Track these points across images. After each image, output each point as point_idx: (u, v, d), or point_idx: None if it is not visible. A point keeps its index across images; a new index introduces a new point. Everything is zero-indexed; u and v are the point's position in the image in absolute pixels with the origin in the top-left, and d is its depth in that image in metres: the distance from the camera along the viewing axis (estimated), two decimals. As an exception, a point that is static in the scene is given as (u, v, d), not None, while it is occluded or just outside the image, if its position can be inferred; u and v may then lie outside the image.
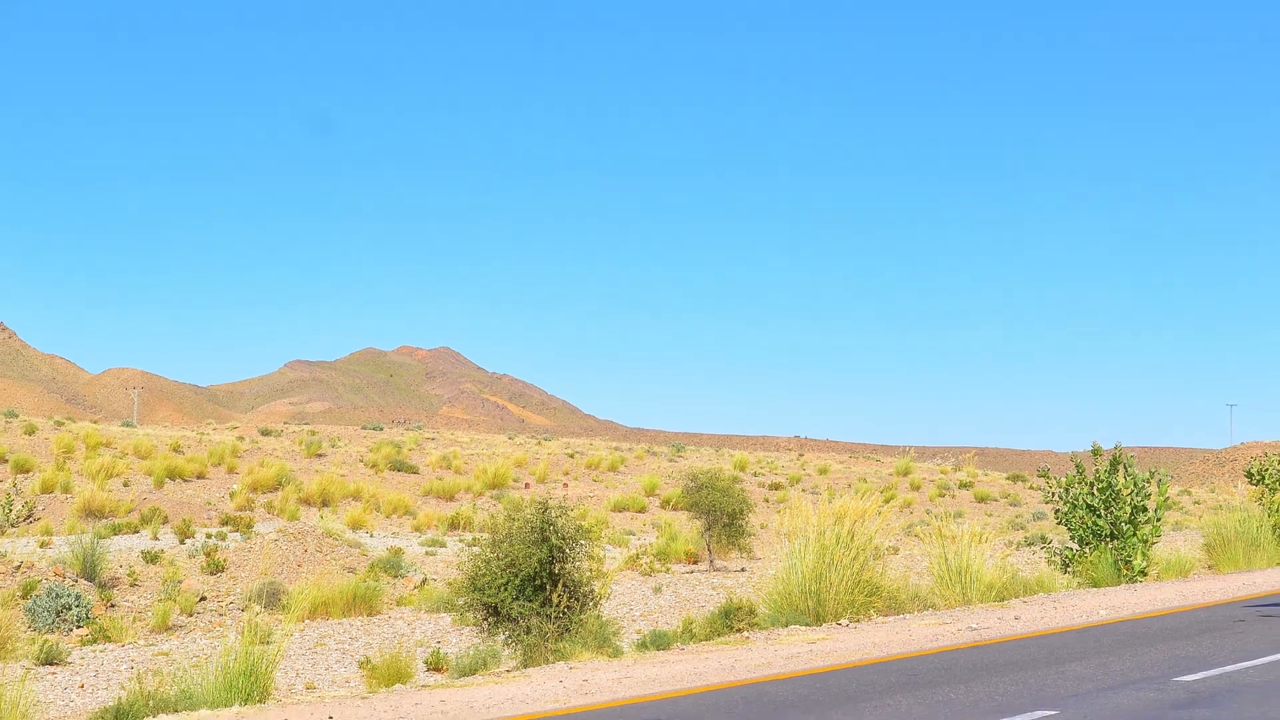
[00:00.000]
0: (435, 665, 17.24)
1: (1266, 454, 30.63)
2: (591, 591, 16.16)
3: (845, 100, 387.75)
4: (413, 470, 55.44)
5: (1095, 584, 21.86)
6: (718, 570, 32.48)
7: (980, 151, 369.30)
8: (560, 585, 15.57)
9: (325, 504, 45.87)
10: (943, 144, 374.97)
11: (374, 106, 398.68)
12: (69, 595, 23.26)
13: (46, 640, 19.93)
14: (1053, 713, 10.56)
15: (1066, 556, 23.51)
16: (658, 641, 15.73)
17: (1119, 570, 22.54)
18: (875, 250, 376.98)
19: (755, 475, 60.36)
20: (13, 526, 36.54)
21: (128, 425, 69.22)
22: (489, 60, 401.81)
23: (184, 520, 36.83)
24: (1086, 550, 23.11)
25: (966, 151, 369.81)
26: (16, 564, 25.40)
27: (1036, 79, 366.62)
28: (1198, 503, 60.53)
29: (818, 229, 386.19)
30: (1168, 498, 24.86)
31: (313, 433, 66.80)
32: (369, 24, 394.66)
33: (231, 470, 50.37)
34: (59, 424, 60.57)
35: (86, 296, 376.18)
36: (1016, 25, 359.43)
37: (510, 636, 15.57)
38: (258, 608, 24.37)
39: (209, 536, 32.78)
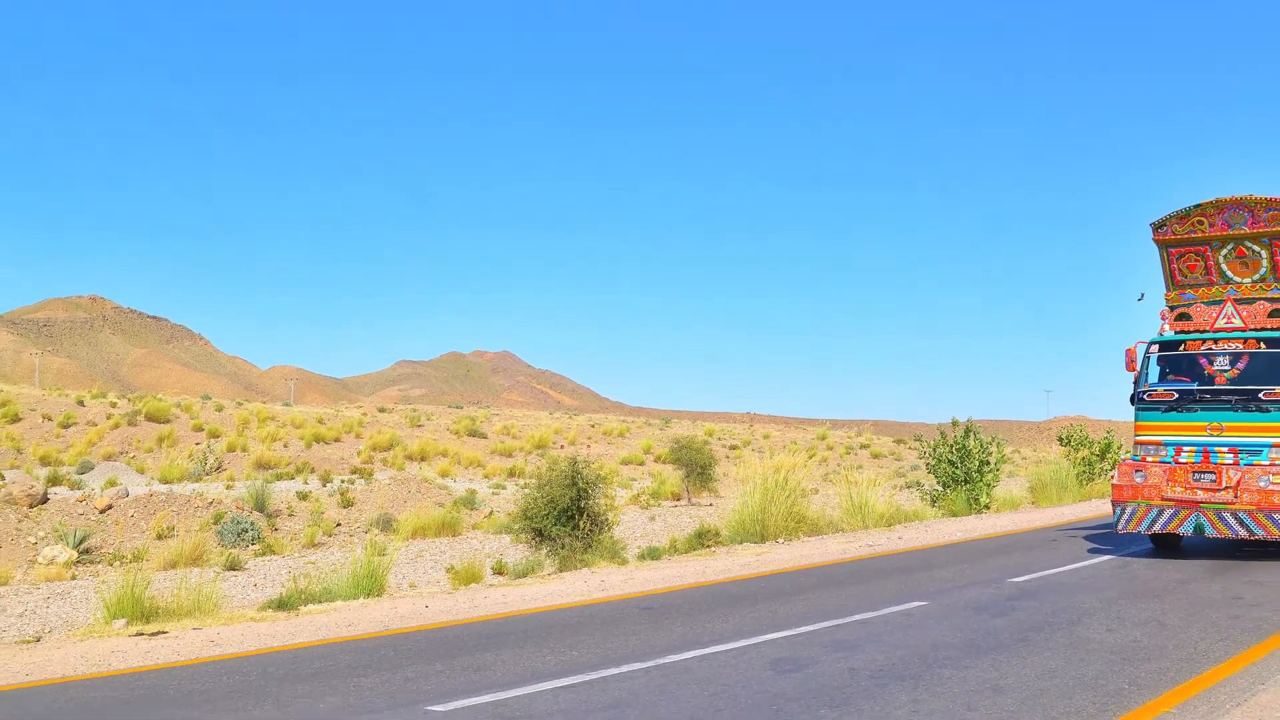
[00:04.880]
0: (499, 570, 17.23)
1: (1072, 425, 30.79)
2: (606, 519, 16.19)
3: (821, 109, 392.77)
4: (483, 436, 55.47)
5: (954, 514, 21.92)
6: (694, 505, 32.48)
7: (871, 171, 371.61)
8: (585, 515, 15.59)
9: (423, 459, 45.91)
10: (854, 163, 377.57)
11: (461, 179, 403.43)
12: (246, 522, 23.28)
13: (230, 553, 19.95)
14: (925, 602, 10.59)
15: (934, 495, 23.59)
16: (652, 554, 15.77)
17: (970, 505, 22.62)
18: (806, 272, 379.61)
19: (719, 439, 60.30)
20: (207, 475, 36.58)
21: (286, 405, 69.25)
22: (524, 140, 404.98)
23: (325, 470, 36.89)
24: (948, 491, 23.20)
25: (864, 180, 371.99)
26: (210, 501, 25.42)
27: (909, 89, 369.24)
28: (1025, 458, 60.55)
29: (767, 260, 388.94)
30: (1004, 455, 24.98)
31: (414, 411, 66.82)
32: (448, 116, 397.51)
33: (358, 436, 50.38)
34: (239, 404, 60.57)
35: (259, 311, 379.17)
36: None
37: (550, 551, 15.59)
38: (376, 531, 24.39)
39: (343, 481, 32.88)
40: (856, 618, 9.76)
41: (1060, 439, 30.43)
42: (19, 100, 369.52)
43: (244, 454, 41.78)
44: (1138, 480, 13.88)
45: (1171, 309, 14.78)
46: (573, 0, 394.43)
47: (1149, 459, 13.96)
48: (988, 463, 23.37)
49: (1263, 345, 13.60)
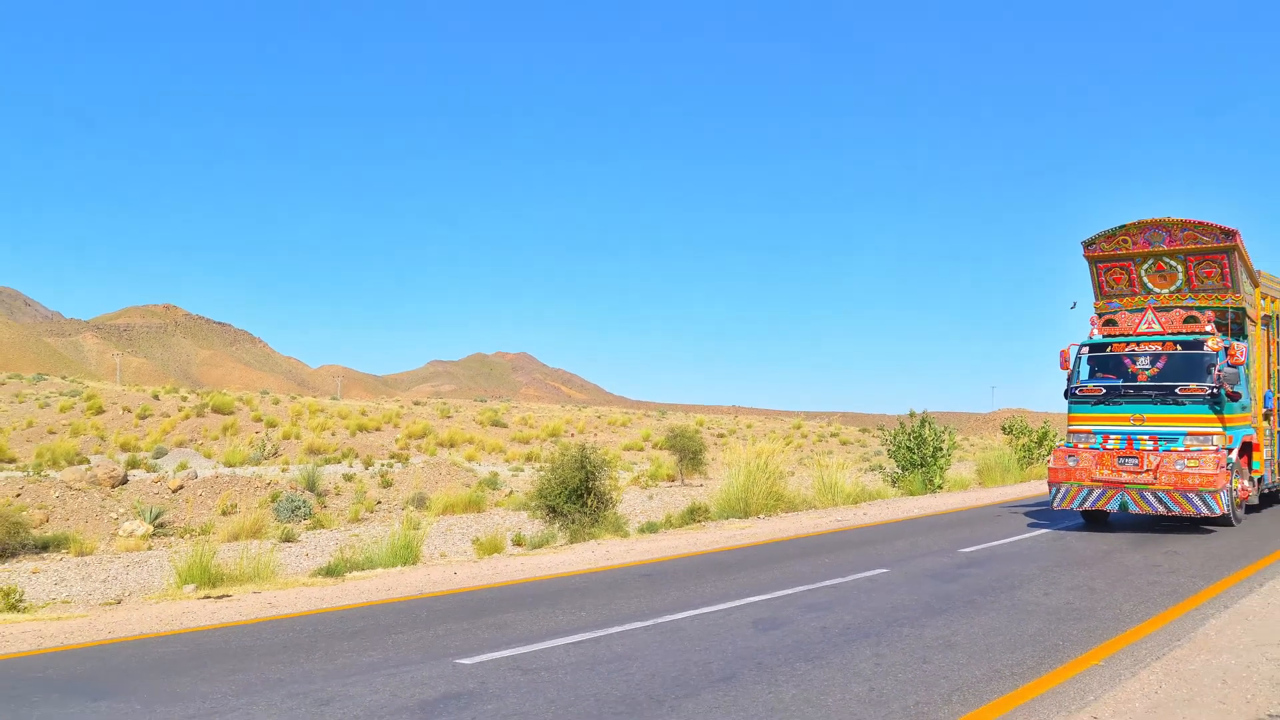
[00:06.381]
0: (518, 542, 17.14)
1: (1014, 416, 30.77)
2: (610, 498, 16.16)
3: (798, 143, 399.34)
4: (504, 426, 55.39)
5: (911, 494, 21.89)
6: (686, 486, 32.43)
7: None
8: (592, 494, 15.58)
9: (452, 446, 45.84)
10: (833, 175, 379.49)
11: (485, 203, 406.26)
12: (299, 500, 23.26)
13: (285, 527, 19.93)
14: (887, 570, 10.58)
15: (894, 477, 23.55)
16: (650, 528, 15.75)
17: (926, 485, 22.58)
18: (785, 284, 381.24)
19: (709, 429, 60.20)
20: (265, 459, 36.53)
21: (334, 399, 69.15)
22: (540, 168, 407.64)
23: (368, 455, 36.86)
24: (906, 473, 23.16)
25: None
26: (268, 482, 25.39)
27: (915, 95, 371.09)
28: (973, 445, 60.36)
29: (751, 273, 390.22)
30: (954, 442, 24.96)
31: (444, 404, 66.78)
32: (476, 148, 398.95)
33: (396, 426, 50.32)
34: (293, 398, 60.50)
35: (311, 317, 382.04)
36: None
37: (562, 525, 15.58)
38: (412, 508, 24.35)
39: (382, 465, 32.84)
40: (827, 583, 9.75)
41: (1003, 428, 30.42)
42: (104, 137, 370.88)
43: (297, 441, 41.73)
44: (1071, 464, 13.87)
45: (1100, 316, 14.78)
46: (581, 51, 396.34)
47: (1080, 445, 13.96)
48: (941, 449, 23.34)
49: (1179, 347, 13.61)
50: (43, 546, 17.70)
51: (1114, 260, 14.58)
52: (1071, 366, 14.36)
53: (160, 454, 36.99)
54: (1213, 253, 13.77)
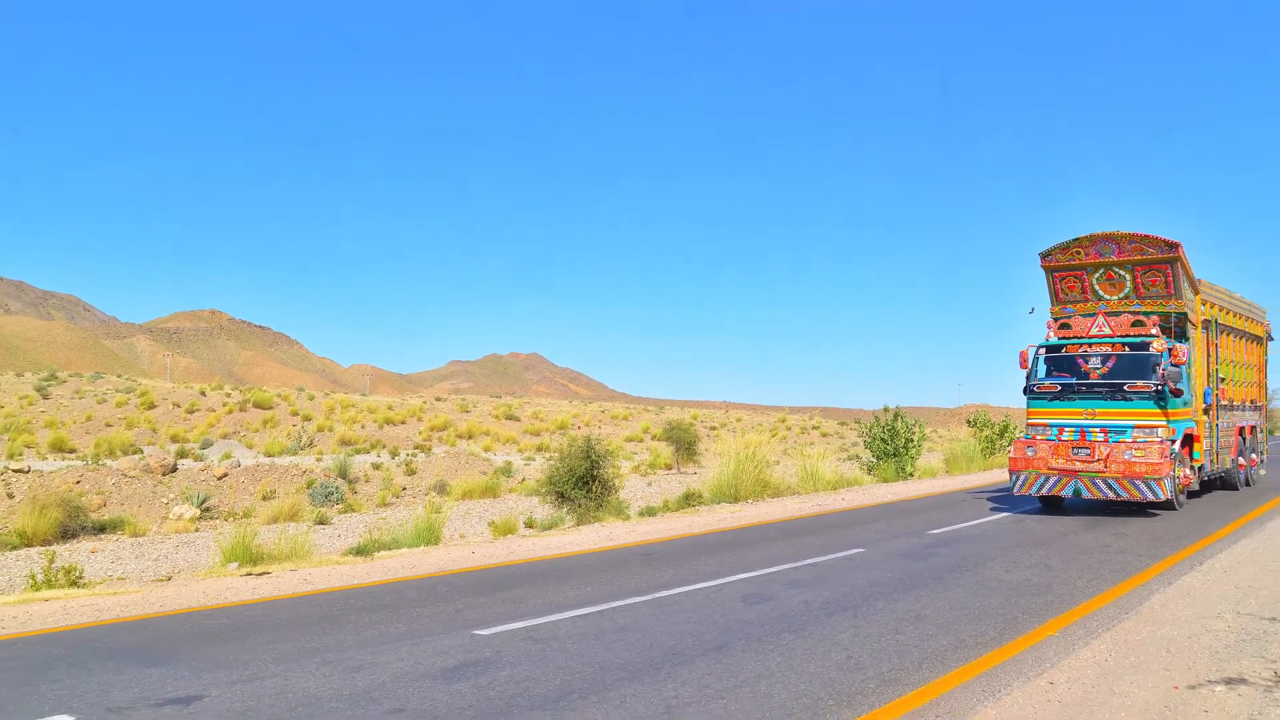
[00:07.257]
0: (530, 524, 17.16)
1: (978, 411, 30.80)
2: (613, 485, 16.16)
3: (784, 162, 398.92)
4: (517, 420, 55.35)
5: (885, 481, 21.89)
6: (682, 474, 32.40)
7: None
8: (597, 481, 15.57)
9: (470, 437, 45.83)
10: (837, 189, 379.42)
11: (501, 219, 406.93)
12: (332, 487, 23.25)
13: (320, 511, 19.93)
14: (863, 550, 10.57)
15: (870, 466, 23.56)
16: (649, 511, 15.73)
17: (898, 473, 22.59)
18: (771, 290, 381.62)
19: (702, 422, 60.16)
20: (301, 450, 36.53)
21: (363, 395, 69.10)
22: (549, 187, 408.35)
23: (394, 446, 36.83)
24: (880, 462, 23.16)
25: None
26: (304, 470, 25.38)
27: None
28: (940, 437, 60.39)
29: (741, 280, 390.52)
30: (924, 434, 24.95)
31: (463, 400, 66.72)
32: (494, 167, 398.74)
33: (419, 419, 50.31)
34: (326, 395, 60.41)
35: (343, 320, 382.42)
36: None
37: (570, 509, 15.57)
38: (434, 493, 24.35)
39: (407, 455, 32.81)
40: (809, 561, 9.75)
41: (968, 422, 30.43)
42: (156, 156, 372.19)
43: (330, 434, 41.73)
44: (1029, 454, 13.88)
45: (1055, 320, 14.78)
46: (591, 70, 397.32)
47: (1038, 437, 13.96)
48: (912, 440, 23.36)
49: (1126, 349, 13.62)
50: (100, 528, 17.71)
51: (1068, 270, 14.58)
52: (1030, 366, 14.37)
53: (206, 445, 37.00)
54: (1157, 263, 13.78)
